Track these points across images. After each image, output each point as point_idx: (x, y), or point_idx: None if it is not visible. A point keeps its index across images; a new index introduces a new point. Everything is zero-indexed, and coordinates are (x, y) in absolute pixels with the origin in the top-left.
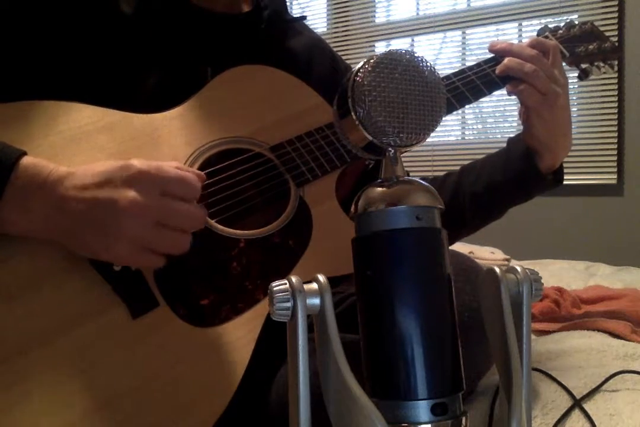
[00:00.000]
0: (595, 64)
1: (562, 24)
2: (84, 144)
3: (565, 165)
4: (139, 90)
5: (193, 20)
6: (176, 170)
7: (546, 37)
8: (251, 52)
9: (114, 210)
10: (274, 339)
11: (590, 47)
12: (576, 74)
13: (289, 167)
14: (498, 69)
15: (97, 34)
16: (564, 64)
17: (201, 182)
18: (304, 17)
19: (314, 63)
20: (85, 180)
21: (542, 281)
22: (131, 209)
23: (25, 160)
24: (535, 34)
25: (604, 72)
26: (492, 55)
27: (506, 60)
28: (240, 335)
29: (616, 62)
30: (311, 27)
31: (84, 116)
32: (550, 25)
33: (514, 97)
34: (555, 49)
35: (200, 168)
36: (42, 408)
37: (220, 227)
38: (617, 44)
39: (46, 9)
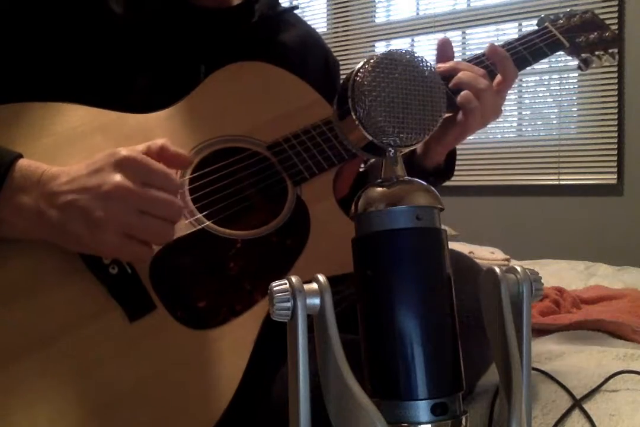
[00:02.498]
0: (596, 53)
1: (562, 14)
2: (79, 145)
3: (565, 165)
4: (132, 89)
5: (184, 16)
6: (161, 165)
7: (545, 27)
8: (244, 47)
9: (99, 194)
10: (273, 340)
11: (591, 36)
12: (575, 74)
13: (286, 166)
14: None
15: (88, 33)
16: (563, 53)
17: (187, 165)
18: (296, 7)
19: (308, 56)
20: (74, 174)
21: (542, 281)
22: (116, 192)
23: (21, 162)
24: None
25: (605, 62)
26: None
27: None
28: (238, 337)
29: (616, 52)
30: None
31: (77, 117)
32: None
33: (513, 97)
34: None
35: (197, 167)
36: (39, 413)
37: (216, 227)
38: (617, 33)
39: (36, 10)
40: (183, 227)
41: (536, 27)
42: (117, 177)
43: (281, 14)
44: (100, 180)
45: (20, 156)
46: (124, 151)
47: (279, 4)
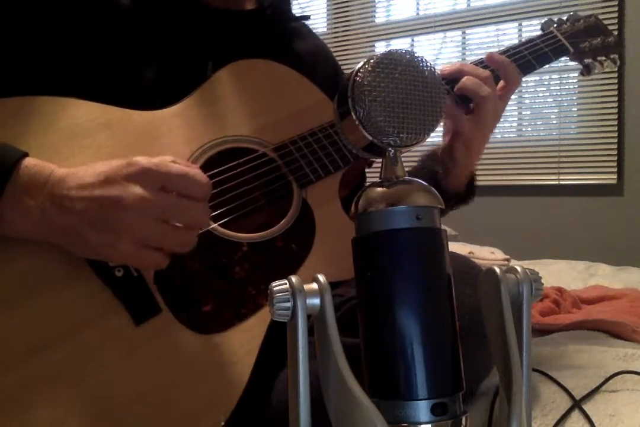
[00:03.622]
0: (598, 59)
1: (565, 18)
2: (83, 142)
3: (565, 165)
4: (139, 84)
5: (192, 13)
6: (179, 166)
7: (551, 32)
8: (252, 46)
9: (119, 206)
10: (276, 346)
11: (594, 41)
12: (576, 74)
13: (292, 168)
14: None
15: (94, 26)
16: (567, 58)
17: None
18: (308, 17)
19: (318, 68)
20: (86, 179)
21: (542, 281)
22: (137, 204)
23: (27, 161)
24: (535, 34)
25: (607, 67)
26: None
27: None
28: (243, 342)
29: (618, 57)
30: (311, 27)
31: (82, 113)
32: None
33: (513, 97)
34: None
35: (202, 167)
36: (43, 418)
37: (223, 230)
38: (619, 38)
39: (42, 2)
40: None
41: (540, 30)
42: (137, 189)
43: (293, 22)
44: (119, 192)
45: (26, 155)
46: (141, 161)
47: (291, 12)
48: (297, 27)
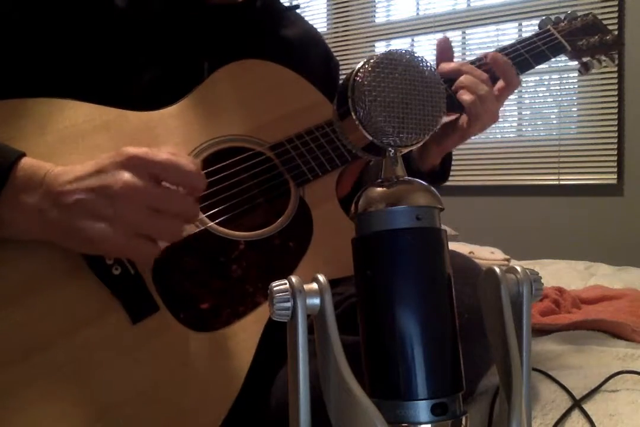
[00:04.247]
0: (597, 57)
1: (563, 16)
2: (80, 143)
3: (565, 165)
4: (135, 85)
5: (188, 12)
6: (168, 155)
7: (548, 30)
8: (247, 43)
9: (107, 194)
10: (274, 344)
11: (592, 40)
12: (576, 74)
13: (289, 167)
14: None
15: (91, 28)
16: (567, 58)
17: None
18: (297, 6)
19: (310, 52)
20: (78, 173)
21: (542, 281)
22: (125, 191)
23: (24, 161)
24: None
25: (605, 66)
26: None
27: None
28: (241, 339)
29: (616, 55)
30: None
31: (79, 114)
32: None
33: (513, 97)
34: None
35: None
36: (41, 417)
37: (220, 228)
38: (618, 36)
39: (38, 4)
40: (187, 228)
41: (537, 29)
42: (125, 176)
43: (283, 12)
44: (109, 180)
45: (23, 155)
46: (130, 149)
47: (280, 3)
48: (287, 15)
